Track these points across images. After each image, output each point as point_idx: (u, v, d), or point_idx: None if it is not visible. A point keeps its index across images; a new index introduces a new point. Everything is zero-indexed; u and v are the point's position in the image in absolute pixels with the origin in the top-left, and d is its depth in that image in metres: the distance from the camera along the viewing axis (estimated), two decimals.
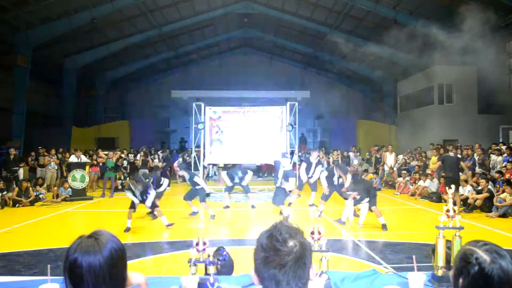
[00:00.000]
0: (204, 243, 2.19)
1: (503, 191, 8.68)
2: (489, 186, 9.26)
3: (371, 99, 27.38)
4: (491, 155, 11.54)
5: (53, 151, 13.31)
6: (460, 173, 11.47)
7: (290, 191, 8.18)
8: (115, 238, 1.30)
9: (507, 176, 9.44)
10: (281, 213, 8.06)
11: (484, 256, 1.13)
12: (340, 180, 8.31)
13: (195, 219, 8.31)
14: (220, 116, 12.19)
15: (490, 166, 11.25)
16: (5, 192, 10.47)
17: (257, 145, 12.03)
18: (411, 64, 18.02)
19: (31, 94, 17.37)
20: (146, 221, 8.04)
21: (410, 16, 15.84)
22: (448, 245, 2.28)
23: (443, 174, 9.37)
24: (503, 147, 11.52)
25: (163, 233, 7.06)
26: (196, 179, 8.36)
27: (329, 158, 15.16)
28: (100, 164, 13.18)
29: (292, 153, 12.20)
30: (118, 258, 1.25)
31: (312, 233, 2.23)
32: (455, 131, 16.74)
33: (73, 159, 12.10)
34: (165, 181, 8.48)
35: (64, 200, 10.92)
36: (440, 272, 2.20)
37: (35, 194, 10.62)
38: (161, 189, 8.27)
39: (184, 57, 26.05)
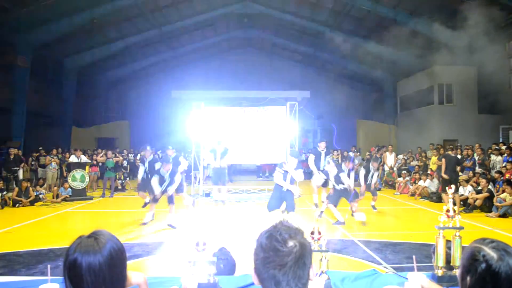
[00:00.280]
0: (204, 243, 2.20)
1: (503, 191, 8.68)
2: (489, 186, 9.26)
3: (371, 99, 27.38)
4: (491, 155, 11.55)
5: (54, 151, 13.31)
6: (461, 173, 11.50)
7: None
8: (114, 238, 1.30)
9: (507, 176, 9.44)
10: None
11: (492, 254, 1.13)
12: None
13: (194, 219, 8.32)
14: (220, 116, 12.19)
15: (490, 166, 11.26)
16: (5, 192, 10.47)
17: (257, 145, 12.02)
18: (411, 64, 18.02)
19: (31, 94, 17.36)
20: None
21: (410, 16, 15.84)
22: (448, 245, 2.28)
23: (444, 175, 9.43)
24: (503, 147, 11.52)
25: (163, 233, 7.05)
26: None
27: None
28: (100, 164, 13.18)
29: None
30: (118, 258, 1.25)
31: (312, 233, 2.23)
32: (455, 131, 16.74)
33: (73, 159, 12.11)
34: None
35: (64, 200, 10.92)
36: (440, 272, 2.20)
37: (35, 194, 10.62)
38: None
39: (184, 57, 26.04)
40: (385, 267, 4.86)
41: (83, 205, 10.53)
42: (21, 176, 12.19)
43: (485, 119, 16.88)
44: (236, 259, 3.27)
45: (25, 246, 6.02)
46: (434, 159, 12.47)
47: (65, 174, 12.99)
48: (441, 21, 13.04)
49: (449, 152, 9.61)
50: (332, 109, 27.37)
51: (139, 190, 8.93)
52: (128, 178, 14.59)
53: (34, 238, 6.59)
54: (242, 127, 12.09)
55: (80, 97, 23.45)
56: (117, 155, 13.30)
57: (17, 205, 10.14)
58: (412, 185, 12.44)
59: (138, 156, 14.68)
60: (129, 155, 15.44)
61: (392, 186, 14.01)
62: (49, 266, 2.30)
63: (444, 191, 9.28)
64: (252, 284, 1.69)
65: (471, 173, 10.87)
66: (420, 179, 12.04)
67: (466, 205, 9.26)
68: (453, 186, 2.60)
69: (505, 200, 8.47)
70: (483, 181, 9.30)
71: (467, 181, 10.17)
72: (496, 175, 9.88)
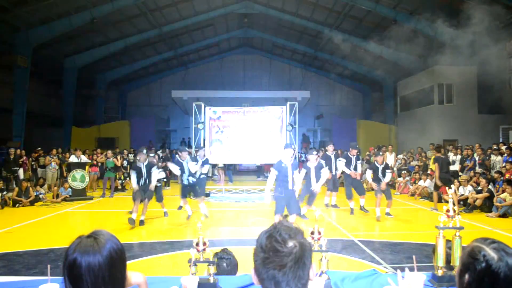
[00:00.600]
0: (204, 243, 2.20)
1: (503, 191, 8.68)
2: (489, 186, 9.27)
3: (371, 99, 27.40)
4: (491, 155, 11.56)
5: (54, 151, 13.32)
6: (461, 173, 11.52)
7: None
8: (114, 238, 1.29)
9: (507, 176, 9.44)
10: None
11: (492, 254, 1.14)
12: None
13: (195, 219, 8.31)
14: (220, 116, 12.19)
15: (490, 166, 11.26)
16: (5, 192, 10.47)
17: (257, 145, 12.02)
18: (411, 64, 18.03)
19: (31, 94, 17.36)
20: (146, 221, 8.03)
21: (410, 16, 15.84)
22: (449, 245, 2.28)
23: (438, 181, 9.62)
24: (503, 147, 11.52)
25: (163, 233, 7.05)
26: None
27: None
28: (100, 164, 13.18)
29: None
30: (118, 258, 1.25)
31: (312, 233, 2.23)
32: (455, 131, 16.74)
33: (73, 159, 12.11)
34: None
35: (64, 200, 10.93)
36: (440, 272, 2.20)
37: (35, 194, 10.62)
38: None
39: (184, 57, 26.05)
40: (385, 267, 4.86)
41: (83, 205, 10.54)
42: (21, 176, 12.19)
43: (485, 119, 16.88)
44: (238, 260, 3.27)
45: (25, 246, 6.02)
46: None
47: (65, 174, 13.00)
48: (441, 21, 13.04)
49: (439, 154, 9.70)
50: (332, 109, 27.41)
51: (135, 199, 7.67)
52: (128, 178, 14.57)
53: (34, 238, 6.60)
54: (242, 127, 12.09)
55: (80, 97, 23.47)
56: (118, 158, 13.28)
57: (17, 205, 10.14)
58: (412, 185, 12.44)
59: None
60: (129, 155, 15.44)
61: (392, 186, 14.00)
62: (49, 266, 2.30)
63: (436, 189, 9.45)
64: (252, 284, 1.69)
65: (471, 173, 10.88)
66: (420, 179, 12.04)
67: (466, 205, 9.27)
68: (453, 186, 2.61)
69: (505, 200, 8.47)
70: (483, 181, 9.30)
71: (468, 180, 10.19)
72: (496, 175, 9.89)
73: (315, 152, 8.02)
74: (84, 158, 12.40)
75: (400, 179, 13.43)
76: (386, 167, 8.52)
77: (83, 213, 9.67)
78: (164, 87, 27.21)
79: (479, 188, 9.41)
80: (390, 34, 15.20)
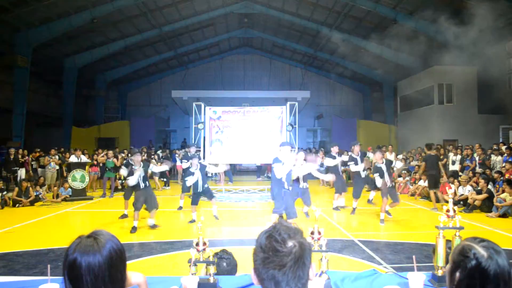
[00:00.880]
0: (204, 243, 2.20)
1: (503, 191, 8.68)
2: (489, 186, 9.26)
3: (371, 99, 27.41)
4: (491, 155, 11.56)
5: (52, 151, 13.32)
6: (461, 173, 11.52)
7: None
8: (114, 238, 1.29)
9: (507, 176, 9.44)
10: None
11: (482, 252, 1.18)
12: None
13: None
14: (220, 116, 12.17)
15: (490, 166, 11.26)
16: (5, 192, 10.47)
17: (257, 145, 12.01)
18: (411, 64, 18.03)
19: (31, 94, 17.38)
20: (146, 221, 8.03)
21: (410, 16, 15.85)
22: (449, 245, 2.28)
23: (428, 172, 9.81)
24: (503, 147, 11.52)
25: (163, 233, 7.05)
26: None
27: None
28: (100, 164, 13.18)
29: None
30: (118, 258, 1.25)
31: (312, 233, 2.23)
32: (455, 131, 16.74)
33: (73, 159, 12.11)
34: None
35: (64, 200, 10.93)
36: (440, 272, 2.20)
37: (35, 194, 10.62)
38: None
39: (184, 57, 26.06)
40: (385, 267, 4.86)
41: (83, 205, 10.54)
42: (23, 176, 12.19)
43: (485, 119, 16.88)
44: (238, 260, 3.27)
45: (25, 246, 6.02)
46: None
47: (65, 174, 12.99)
48: (441, 21, 13.04)
49: (430, 152, 9.83)
50: (332, 109, 27.42)
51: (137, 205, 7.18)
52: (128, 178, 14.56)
53: (34, 238, 6.59)
54: (242, 127, 12.08)
55: (80, 97, 23.48)
56: (118, 158, 13.27)
57: (17, 205, 10.14)
58: (412, 185, 12.44)
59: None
60: (129, 155, 15.43)
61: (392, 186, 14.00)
62: (49, 266, 2.30)
63: (431, 188, 9.60)
64: (252, 284, 1.69)
65: (470, 173, 10.88)
66: (420, 179, 12.03)
67: (466, 205, 9.26)
68: (453, 187, 2.61)
69: (505, 200, 8.46)
70: (481, 181, 9.30)
71: (467, 180, 10.19)
72: (496, 175, 9.89)
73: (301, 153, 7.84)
74: (84, 158, 12.39)
75: (400, 179, 13.42)
76: (389, 163, 8.37)
77: (83, 213, 9.67)
78: (164, 87, 27.23)
79: (479, 188, 9.41)
80: (390, 34, 15.21)
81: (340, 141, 13.57)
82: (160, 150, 18.36)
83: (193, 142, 12.96)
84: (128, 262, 1.33)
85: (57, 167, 13.24)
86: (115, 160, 12.75)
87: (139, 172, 7.03)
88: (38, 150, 14.04)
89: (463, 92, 17.20)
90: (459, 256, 1.22)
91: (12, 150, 12.62)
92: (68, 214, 9.36)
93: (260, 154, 12.14)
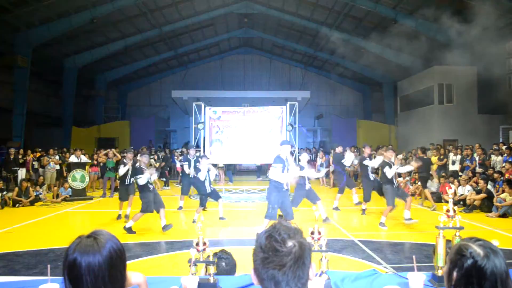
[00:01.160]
0: (204, 243, 2.20)
1: (503, 191, 8.68)
2: (489, 186, 9.26)
3: (371, 99, 27.41)
4: (491, 155, 11.55)
5: (51, 151, 13.31)
6: (461, 173, 11.53)
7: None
8: (114, 238, 1.29)
9: (507, 176, 9.44)
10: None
11: (478, 250, 1.20)
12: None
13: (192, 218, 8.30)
14: (220, 116, 12.18)
15: (491, 166, 11.26)
16: (5, 192, 10.47)
17: (257, 145, 12.02)
18: (411, 64, 18.03)
19: (31, 94, 17.37)
20: (146, 221, 8.02)
21: (410, 16, 15.84)
22: (449, 245, 2.28)
23: (420, 174, 10.49)
24: (503, 147, 11.52)
25: (163, 233, 7.05)
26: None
27: (328, 158, 15.16)
28: (100, 164, 13.18)
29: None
30: (118, 258, 1.25)
31: (312, 233, 2.23)
32: (455, 131, 16.74)
33: (73, 159, 12.10)
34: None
35: (64, 200, 10.93)
36: (440, 272, 2.19)
37: (35, 194, 10.62)
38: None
39: (184, 57, 26.06)
40: (385, 267, 4.86)
41: (83, 205, 10.54)
42: (23, 176, 12.19)
43: (485, 119, 16.88)
44: (237, 260, 3.27)
45: (25, 246, 6.02)
46: (434, 159, 12.47)
47: (65, 174, 12.99)
48: (441, 21, 13.04)
49: (422, 155, 10.37)
50: (332, 109, 27.42)
51: (144, 206, 7.24)
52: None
53: (34, 238, 6.59)
54: (242, 127, 12.09)
55: (80, 97, 23.48)
56: (117, 154, 13.27)
57: (17, 205, 10.14)
58: (412, 185, 12.43)
59: (139, 156, 14.63)
60: (136, 155, 15.45)
61: None
62: (49, 266, 2.30)
63: (425, 188, 10.13)
64: (252, 284, 1.69)
65: (470, 173, 10.88)
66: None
67: (466, 205, 9.26)
68: (453, 187, 2.61)
69: (505, 200, 8.46)
70: (481, 182, 9.30)
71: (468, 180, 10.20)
72: (496, 175, 9.89)
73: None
74: (84, 158, 12.39)
75: (400, 179, 13.41)
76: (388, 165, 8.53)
77: (83, 213, 9.67)
78: (164, 87, 27.23)
79: (479, 188, 9.41)
80: (390, 34, 15.20)
81: (340, 141, 13.59)
82: (158, 151, 18.40)
83: (193, 142, 12.97)
84: (128, 262, 1.33)
85: (57, 167, 13.24)
86: (116, 158, 12.72)
87: (148, 174, 7.00)
88: (40, 150, 14.04)
89: (463, 92, 17.20)
90: (456, 256, 1.24)
91: (12, 150, 12.62)
92: (68, 214, 9.36)
93: (260, 154, 12.15)
